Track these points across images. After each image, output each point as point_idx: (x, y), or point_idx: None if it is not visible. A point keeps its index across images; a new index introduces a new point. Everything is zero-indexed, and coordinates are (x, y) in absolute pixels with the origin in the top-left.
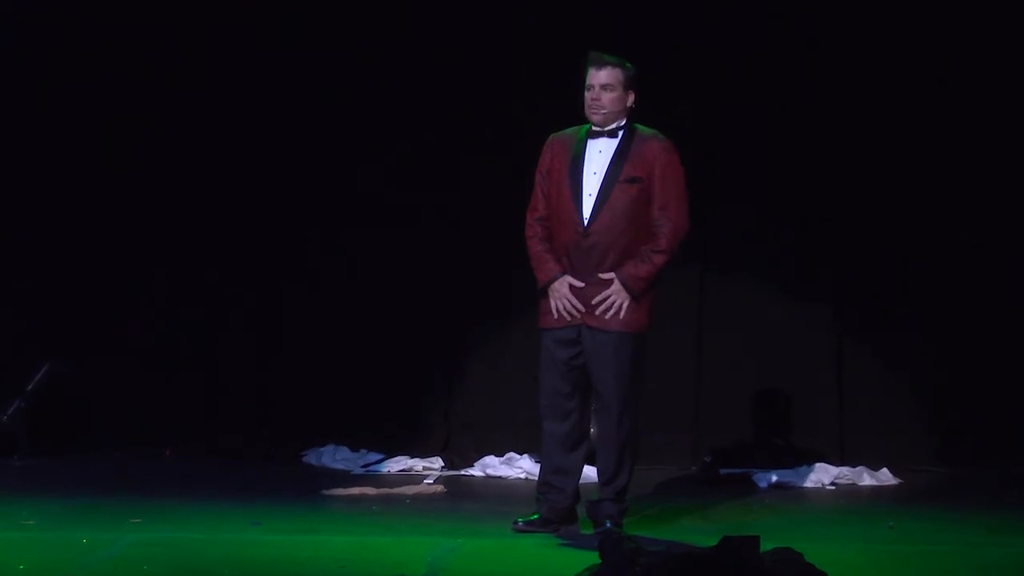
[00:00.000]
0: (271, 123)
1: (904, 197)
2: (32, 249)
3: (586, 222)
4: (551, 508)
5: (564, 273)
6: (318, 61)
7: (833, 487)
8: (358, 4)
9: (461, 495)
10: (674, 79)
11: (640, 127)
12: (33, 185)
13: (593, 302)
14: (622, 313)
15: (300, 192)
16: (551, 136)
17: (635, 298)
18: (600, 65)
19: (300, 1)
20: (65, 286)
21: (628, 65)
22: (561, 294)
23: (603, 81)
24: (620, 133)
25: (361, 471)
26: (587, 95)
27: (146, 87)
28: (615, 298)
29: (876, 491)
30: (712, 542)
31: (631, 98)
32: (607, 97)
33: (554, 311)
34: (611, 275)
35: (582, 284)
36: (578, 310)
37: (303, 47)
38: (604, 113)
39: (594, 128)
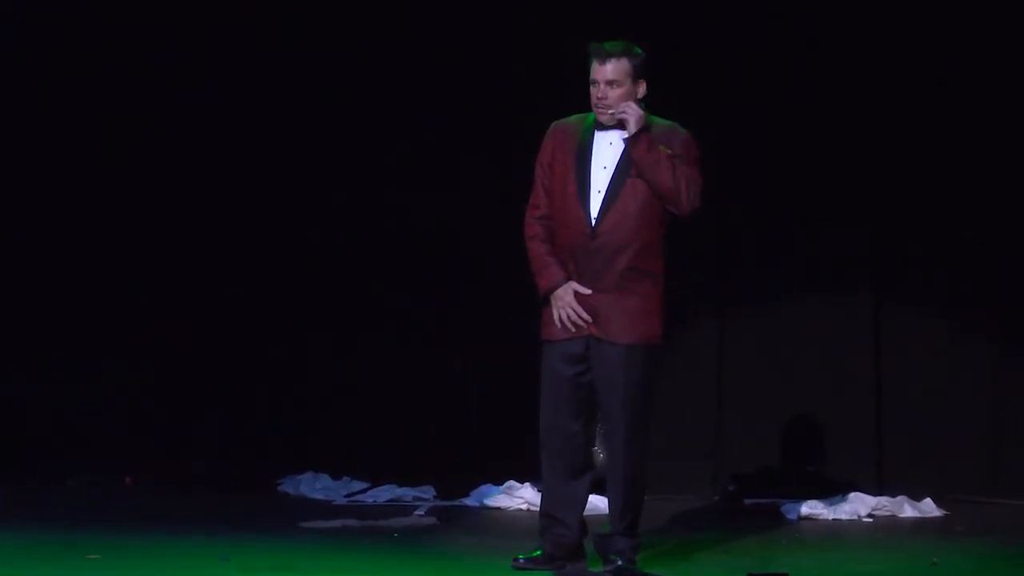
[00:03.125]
0: (271, 123)
1: (928, 200)
2: None
3: (594, 222)
4: (555, 543)
5: (569, 279)
6: (318, 61)
7: (870, 519)
8: (358, 4)
9: (455, 528)
10: (674, 79)
11: (655, 118)
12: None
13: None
14: (632, 121)
15: (285, 203)
16: (553, 124)
17: (635, 137)
18: (604, 58)
19: (300, 1)
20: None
21: (637, 51)
22: (565, 302)
23: (608, 76)
24: None
25: (344, 501)
26: (592, 91)
27: (146, 87)
28: (630, 113)
29: (918, 524)
30: None
31: (642, 88)
32: (614, 94)
33: (557, 321)
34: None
35: (589, 291)
36: (584, 320)
37: (304, 47)
38: (612, 113)
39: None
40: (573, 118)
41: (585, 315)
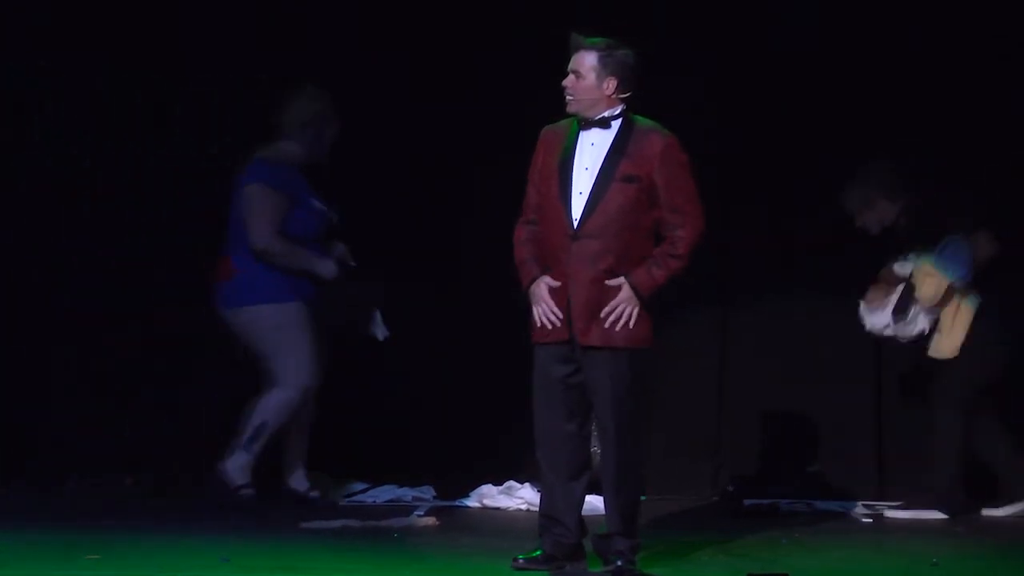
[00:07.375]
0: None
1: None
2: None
3: (576, 224)
4: (555, 543)
5: (543, 274)
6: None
7: (870, 520)
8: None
9: (455, 528)
10: (676, 78)
11: (639, 119)
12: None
13: (602, 314)
14: (632, 322)
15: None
16: (544, 129)
17: (645, 307)
18: (574, 48)
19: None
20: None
21: (609, 47)
22: (538, 297)
23: (572, 66)
24: (614, 124)
25: (344, 502)
26: None
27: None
28: (625, 307)
29: (919, 524)
30: None
31: (610, 85)
32: (576, 84)
33: (536, 318)
34: (620, 280)
35: (558, 283)
36: (557, 316)
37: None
38: (570, 100)
39: (584, 119)
40: (562, 122)
41: (557, 311)
